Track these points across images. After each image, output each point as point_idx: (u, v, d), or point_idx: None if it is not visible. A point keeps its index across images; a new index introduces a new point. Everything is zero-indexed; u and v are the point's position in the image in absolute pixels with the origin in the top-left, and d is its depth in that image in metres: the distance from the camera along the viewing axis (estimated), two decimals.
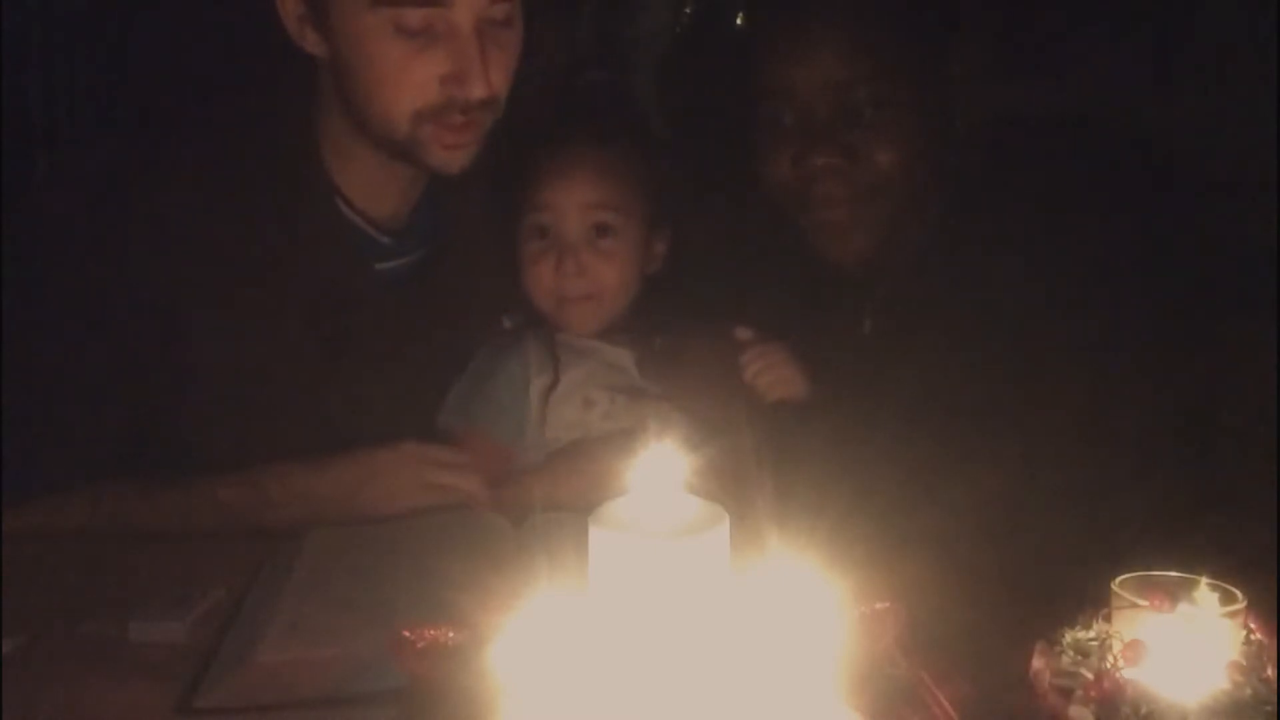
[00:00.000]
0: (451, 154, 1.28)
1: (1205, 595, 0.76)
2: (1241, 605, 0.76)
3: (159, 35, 1.92)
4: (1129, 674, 0.74)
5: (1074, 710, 0.75)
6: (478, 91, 1.24)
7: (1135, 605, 0.77)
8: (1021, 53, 1.71)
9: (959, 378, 1.26)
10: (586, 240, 1.42)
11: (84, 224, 1.27)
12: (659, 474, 0.67)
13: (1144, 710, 0.72)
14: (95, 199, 1.27)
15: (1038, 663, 0.79)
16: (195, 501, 1.25)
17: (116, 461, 1.28)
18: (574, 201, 1.41)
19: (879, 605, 0.79)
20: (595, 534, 0.66)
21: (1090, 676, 0.76)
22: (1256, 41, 1.57)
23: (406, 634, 0.78)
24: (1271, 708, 0.72)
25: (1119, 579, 0.79)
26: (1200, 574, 0.77)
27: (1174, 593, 0.76)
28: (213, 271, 1.28)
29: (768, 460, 1.24)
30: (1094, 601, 0.80)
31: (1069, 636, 0.79)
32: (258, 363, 1.30)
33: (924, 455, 1.23)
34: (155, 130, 1.37)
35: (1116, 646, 0.76)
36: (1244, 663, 0.74)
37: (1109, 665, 0.75)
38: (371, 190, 1.36)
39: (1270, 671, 0.74)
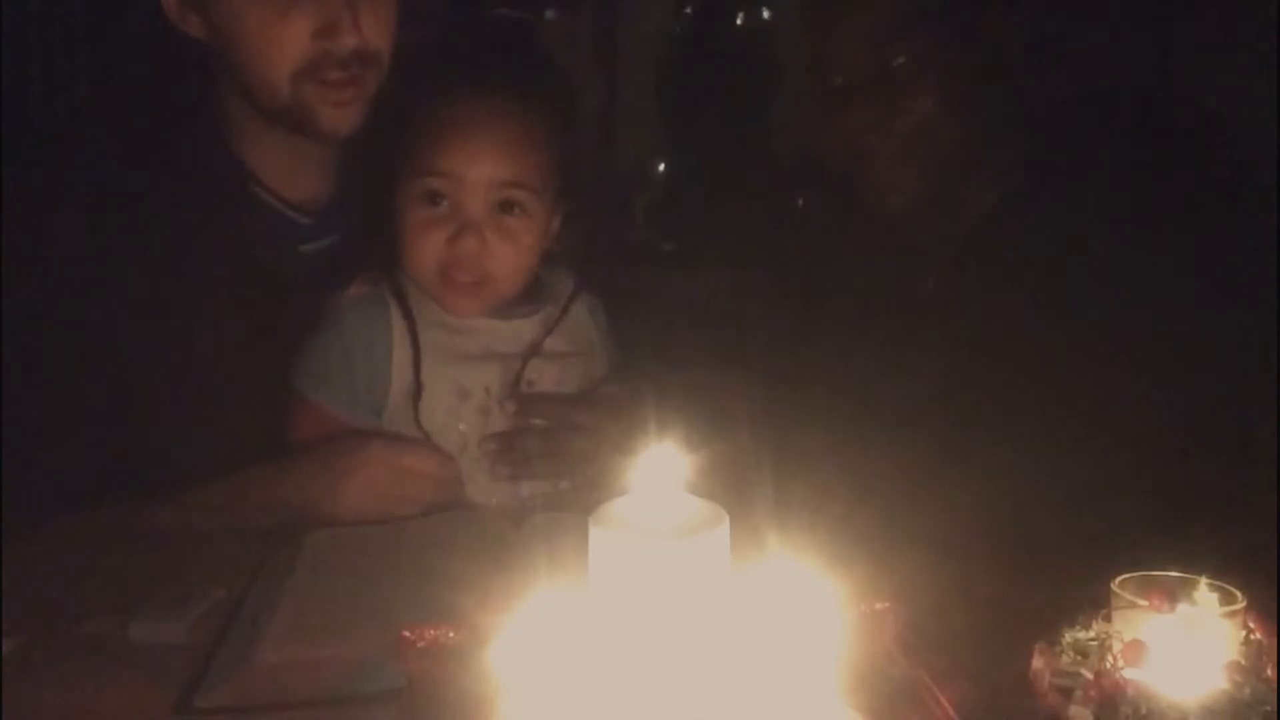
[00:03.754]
0: (338, 113, 1.29)
1: (1205, 595, 0.76)
2: (1241, 605, 0.76)
3: (57, 43, 1.88)
4: (1129, 674, 0.74)
5: (1074, 710, 0.75)
6: (349, 40, 1.26)
7: (1135, 605, 0.77)
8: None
9: (965, 379, 1.26)
10: (490, 216, 1.24)
11: (17, 245, 1.27)
12: (659, 474, 0.67)
13: (1144, 710, 0.72)
14: (22, 218, 1.27)
15: (1038, 663, 0.79)
16: (190, 511, 1.25)
17: (105, 475, 1.28)
18: (481, 175, 1.23)
19: (879, 605, 0.79)
20: (595, 534, 0.66)
21: (1090, 676, 0.76)
22: None
23: (406, 634, 0.79)
24: (1271, 708, 0.72)
25: (1119, 579, 0.79)
26: (1200, 574, 0.77)
27: (1174, 593, 0.77)
28: (143, 272, 1.29)
29: (768, 460, 1.24)
30: (1094, 601, 0.80)
31: (1069, 636, 0.79)
32: (196, 355, 1.31)
33: (924, 455, 1.23)
34: (62, 142, 1.39)
35: (1116, 646, 0.76)
36: (1244, 663, 0.74)
37: (1109, 665, 0.75)
38: (286, 172, 1.37)
39: (1270, 671, 0.74)
